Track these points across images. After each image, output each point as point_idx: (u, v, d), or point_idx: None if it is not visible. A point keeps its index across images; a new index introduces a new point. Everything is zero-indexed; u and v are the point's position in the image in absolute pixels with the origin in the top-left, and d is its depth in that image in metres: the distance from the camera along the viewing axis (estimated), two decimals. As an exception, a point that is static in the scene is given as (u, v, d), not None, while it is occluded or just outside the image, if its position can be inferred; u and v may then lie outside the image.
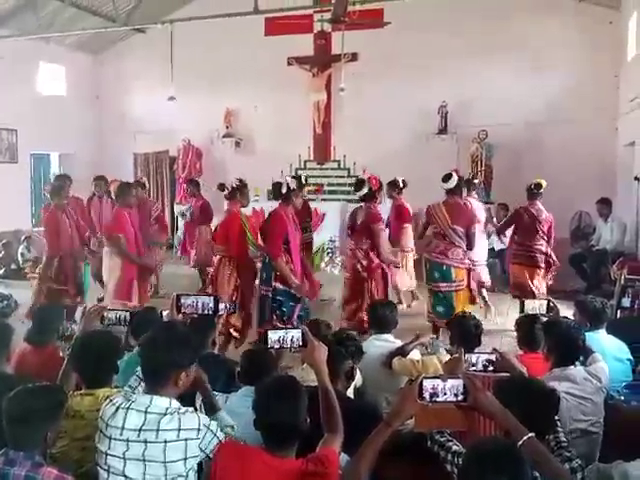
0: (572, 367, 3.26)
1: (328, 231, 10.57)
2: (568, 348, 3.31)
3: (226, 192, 6.27)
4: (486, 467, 1.84)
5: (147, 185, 9.52)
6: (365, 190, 6.19)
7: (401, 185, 7.82)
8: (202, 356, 3.46)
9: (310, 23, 11.89)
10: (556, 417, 2.59)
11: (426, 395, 2.12)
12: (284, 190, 5.43)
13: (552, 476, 2.01)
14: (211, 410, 2.58)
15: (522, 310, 3.96)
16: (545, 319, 3.86)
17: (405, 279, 7.73)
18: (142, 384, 2.47)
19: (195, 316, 3.40)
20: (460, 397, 2.12)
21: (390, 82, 11.46)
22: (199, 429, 2.26)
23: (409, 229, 7.84)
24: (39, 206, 12.93)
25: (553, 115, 10.62)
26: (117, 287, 6.18)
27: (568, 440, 2.51)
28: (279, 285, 5.40)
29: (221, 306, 3.81)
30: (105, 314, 3.61)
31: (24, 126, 11.58)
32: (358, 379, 3.73)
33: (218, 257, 6.15)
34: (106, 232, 6.51)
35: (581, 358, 3.53)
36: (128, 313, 3.72)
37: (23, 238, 11.04)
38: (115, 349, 3.03)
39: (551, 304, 3.85)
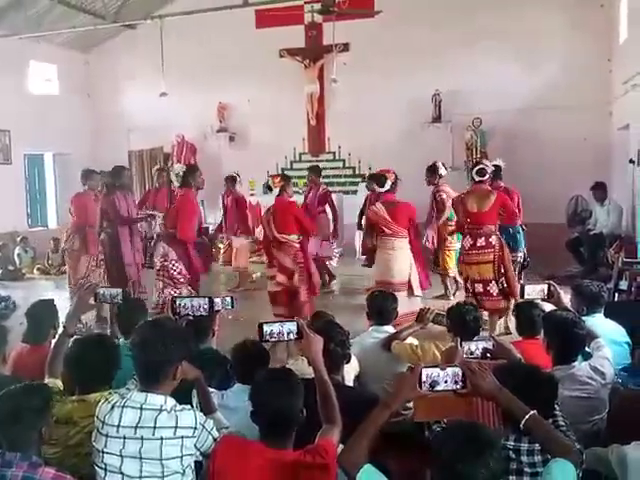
0: (575, 364, 3.17)
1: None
2: (568, 344, 3.21)
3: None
4: (456, 452, 1.81)
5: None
6: None
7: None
8: (199, 351, 3.44)
9: (301, 14, 11.85)
10: (555, 401, 2.58)
11: (426, 384, 2.13)
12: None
13: (559, 451, 2.00)
14: (207, 411, 2.57)
15: (522, 295, 3.87)
16: (545, 309, 3.78)
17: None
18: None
19: (191, 317, 3.38)
20: (459, 385, 2.13)
21: (383, 71, 11.42)
22: (195, 427, 2.26)
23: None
24: (35, 207, 12.94)
25: (547, 100, 10.60)
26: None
27: (567, 424, 2.50)
28: None
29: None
30: (99, 291, 3.47)
31: (17, 126, 11.53)
32: (356, 369, 3.73)
33: None
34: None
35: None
36: (121, 291, 3.50)
37: (20, 239, 11.03)
38: (112, 360, 2.84)
39: (552, 288, 3.73)
